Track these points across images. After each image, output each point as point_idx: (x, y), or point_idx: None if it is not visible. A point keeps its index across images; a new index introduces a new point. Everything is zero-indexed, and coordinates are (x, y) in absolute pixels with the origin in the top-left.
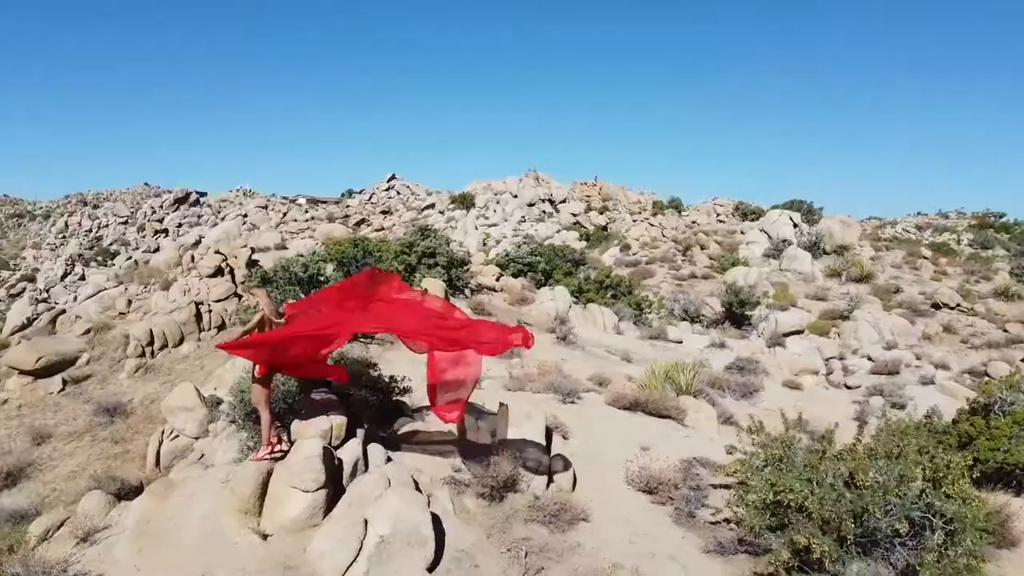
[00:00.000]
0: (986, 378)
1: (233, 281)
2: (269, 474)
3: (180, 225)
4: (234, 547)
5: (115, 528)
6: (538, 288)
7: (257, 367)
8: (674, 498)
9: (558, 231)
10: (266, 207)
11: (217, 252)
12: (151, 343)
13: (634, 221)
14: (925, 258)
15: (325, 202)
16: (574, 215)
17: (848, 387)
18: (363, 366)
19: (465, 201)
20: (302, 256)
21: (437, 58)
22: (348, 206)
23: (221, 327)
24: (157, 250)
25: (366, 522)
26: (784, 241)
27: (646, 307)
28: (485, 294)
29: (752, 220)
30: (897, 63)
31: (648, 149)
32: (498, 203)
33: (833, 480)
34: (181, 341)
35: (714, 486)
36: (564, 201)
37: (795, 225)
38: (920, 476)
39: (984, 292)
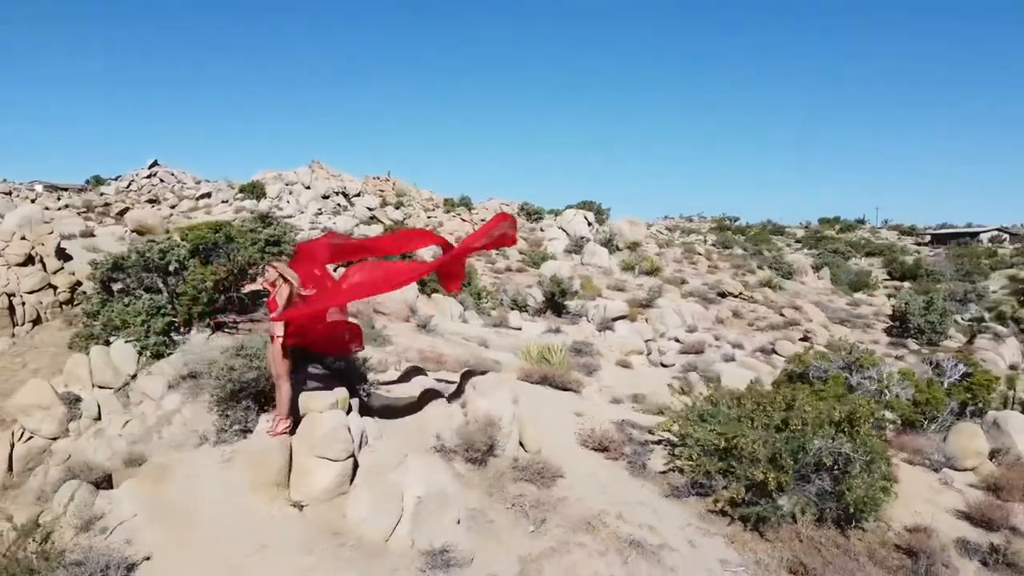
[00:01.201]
0: (774, 354)
1: (45, 270)
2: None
3: None
4: (272, 520)
5: (113, 516)
6: None
7: (282, 339)
8: (626, 454)
9: (357, 225)
10: (10, 193)
11: (23, 239)
12: None
13: (428, 217)
14: (699, 254)
15: (66, 189)
16: (370, 209)
17: (664, 365)
18: None
19: (255, 191)
20: (158, 242)
21: (197, 35)
22: (103, 193)
23: (37, 321)
24: None
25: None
26: (582, 238)
27: (485, 297)
28: None
29: (536, 220)
30: (635, 67)
31: (433, 149)
32: (291, 194)
33: (767, 425)
34: None
35: (648, 442)
36: (358, 195)
37: (589, 224)
38: (837, 419)
39: (753, 283)
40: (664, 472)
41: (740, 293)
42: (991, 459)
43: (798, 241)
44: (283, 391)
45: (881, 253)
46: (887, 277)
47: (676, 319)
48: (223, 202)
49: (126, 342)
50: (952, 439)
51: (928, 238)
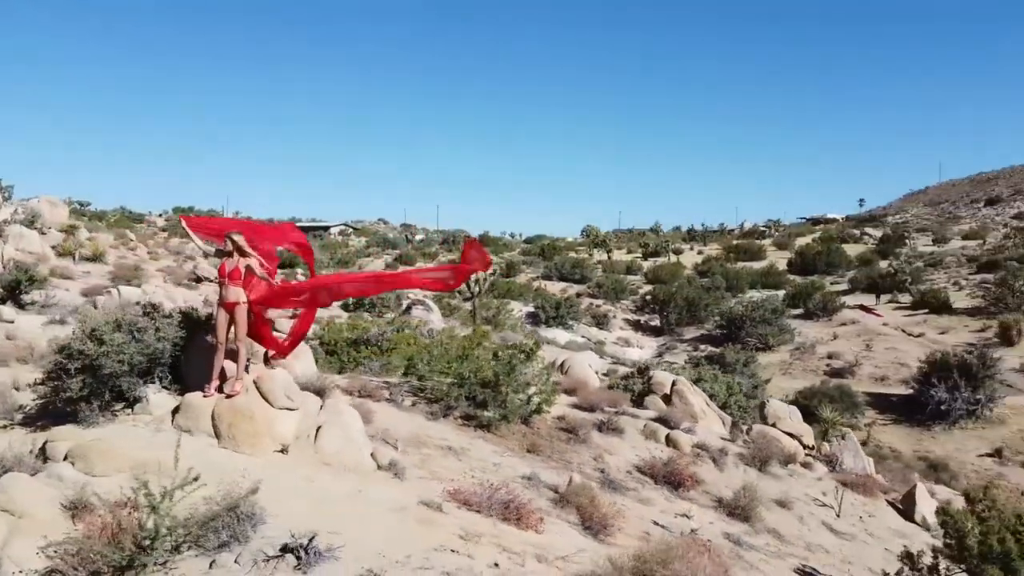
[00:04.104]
0: None
1: None
2: None
3: None
4: (278, 464)
5: (105, 489)
6: None
7: (247, 305)
8: (385, 397)
9: None
10: None
11: None
12: None
13: None
14: (132, 239)
15: None
16: None
17: None
18: None
19: None
20: None
21: None
22: None
23: None
24: None
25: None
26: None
27: None
28: None
29: None
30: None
31: None
32: None
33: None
34: None
35: (384, 386)
36: None
37: None
38: (526, 350)
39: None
40: (414, 404)
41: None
42: None
43: (163, 230)
44: (243, 354)
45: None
46: None
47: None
48: None
49: None
50: None
51: None
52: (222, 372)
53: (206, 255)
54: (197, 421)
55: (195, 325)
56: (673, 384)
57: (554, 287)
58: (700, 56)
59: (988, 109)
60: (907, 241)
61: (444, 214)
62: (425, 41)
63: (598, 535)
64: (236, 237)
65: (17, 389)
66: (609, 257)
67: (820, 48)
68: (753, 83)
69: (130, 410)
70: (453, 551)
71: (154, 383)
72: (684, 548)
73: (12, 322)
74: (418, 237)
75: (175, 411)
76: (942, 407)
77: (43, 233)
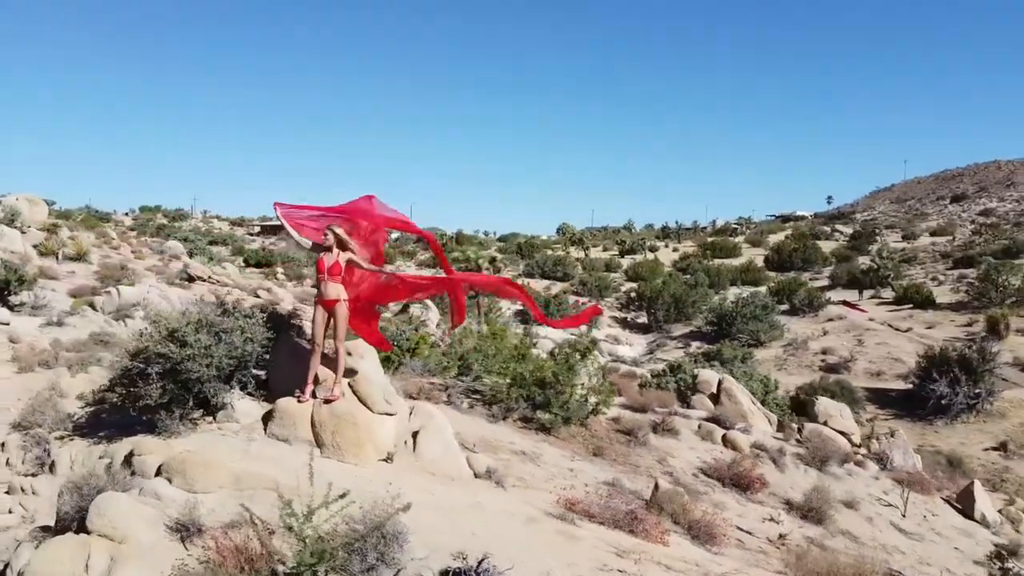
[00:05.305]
0: None
1: None
2: None
3: None
4: (383, 474)
5: (209, 508)
6: None
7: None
8: (447, 399)
9: None
10: None
11: None
12: None
13: None
14: (114, 236)
15: None
16: None
17: None
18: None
19: None
20: None
21: None
22: None
23: None
24: None
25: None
26: None
27: None
28: None
29: None
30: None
31: None
32: None
33: (534, 360)
34: None
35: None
36: None
37: None
38: (582, 349)
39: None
40: (471, 407)
41: (209, 277)
42: None
43: (132, 229)
44: (342, 355)
45: (226, 243)
46: (244, 264)
47: (172, 305)
48: None
49: None
50: None
51: (258, 229)
52: (315, 376)
53: (312, 249)
54: (295, 429)
55: (281, 325)
56: (720, 383)
57: (537, 285)
58: (669, 57)
59: (952, 106)
60: (877, 238)
61: (417, 212)
62: (398, 38)
63: (705, 544)
64: (338, 230)
65: (61, 396)
66: (587, 255)
67: (786, 48)
68: (721, 83)
69: (211, 418)
70: (621, 571)
71: (235, 388)
72: (864, 562)
73: (8, 324)
74: (394, 235)
75: (266, 418)
76: (943, 401)
77: (24, 232)
